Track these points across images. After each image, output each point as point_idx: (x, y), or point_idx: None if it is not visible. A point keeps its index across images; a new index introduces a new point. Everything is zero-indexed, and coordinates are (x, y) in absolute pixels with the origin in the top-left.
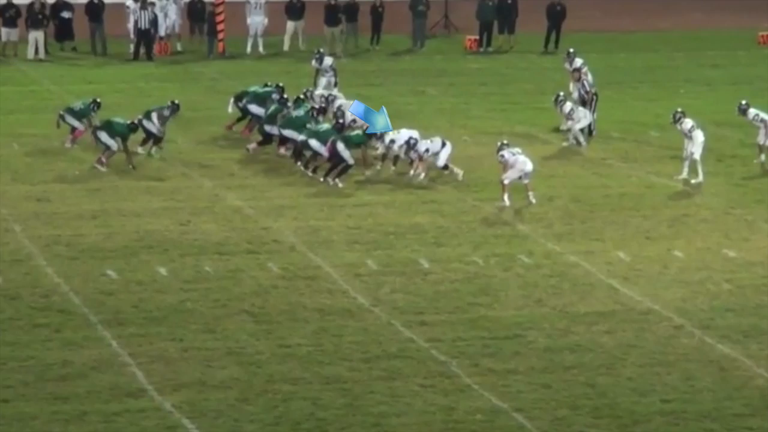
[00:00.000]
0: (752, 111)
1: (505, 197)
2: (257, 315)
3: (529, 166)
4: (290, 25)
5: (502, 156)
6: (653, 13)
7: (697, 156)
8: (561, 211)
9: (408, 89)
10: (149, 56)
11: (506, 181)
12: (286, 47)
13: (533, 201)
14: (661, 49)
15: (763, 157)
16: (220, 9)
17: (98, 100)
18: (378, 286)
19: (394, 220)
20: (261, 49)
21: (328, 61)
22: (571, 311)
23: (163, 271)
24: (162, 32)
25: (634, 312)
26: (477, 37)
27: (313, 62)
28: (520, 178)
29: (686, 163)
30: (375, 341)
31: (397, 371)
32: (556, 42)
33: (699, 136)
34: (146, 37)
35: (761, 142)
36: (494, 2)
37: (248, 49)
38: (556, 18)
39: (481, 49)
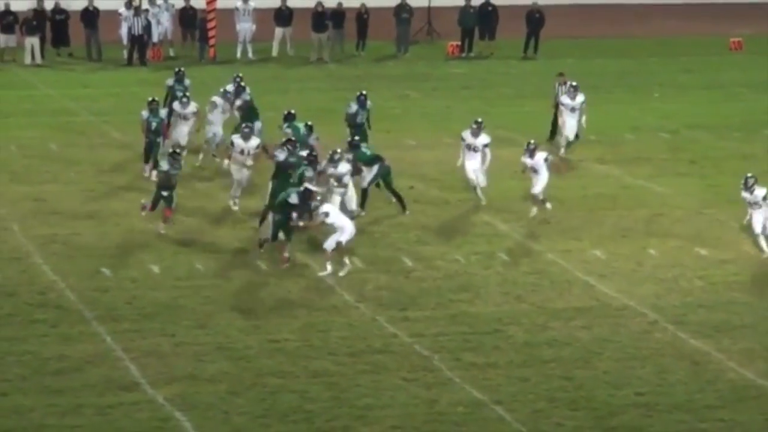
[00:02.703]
0: (761, 191)
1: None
2: (247, 311)
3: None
4: (278, 31)
5: (546, 159)
6: (629, 20)
7: None
8: (539, 211)
9: (392, 93)
10: (142, 61)
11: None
12: (274, 53)
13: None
14: (636, 55)
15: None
16: (211, 16)
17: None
18: (363, 283)
19: (378, 219)
20: (250, 54)
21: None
22: (549, 307)
23: (155, 268)
24: (155, 38)
25: (610, 308)
26: (459, 43)
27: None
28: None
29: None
30: (360, 336)
31: (381, 365)
32: (535, 48)
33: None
34: (139, 42)
35: (757, 231)
36: (475, 9)
37: (238, 55)
38: (534, 24)
39: (463, 55)
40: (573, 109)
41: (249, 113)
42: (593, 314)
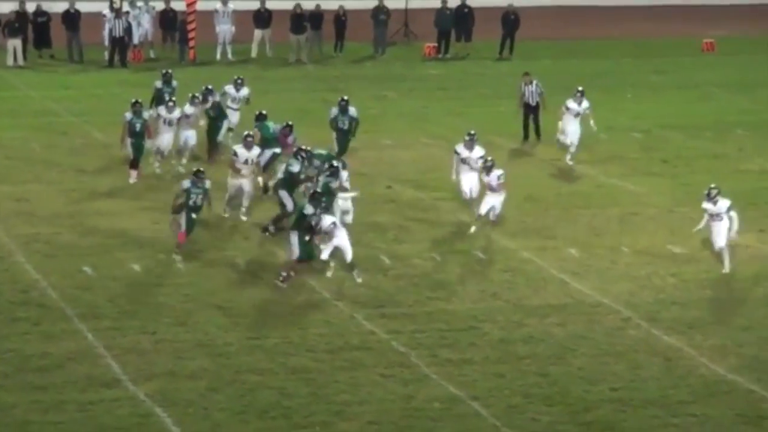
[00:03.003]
0: (724, 202)
1: None
2: (226, 309)
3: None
4: (258, 32)
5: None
6: (603, 22)
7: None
8: (515, 210)
9: (370, 94)
10: (123, 63)
11: (722, 244)
12: (253, 54)
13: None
14: (610, 56)
15: (726, 263)
16: (191, 18)
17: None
18: (341, 281)
19: (356, 219)
20: (230, 56)
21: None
22: (525, 304)
23: (136, 267)
24: (135, 40)
25: (584, 305)
26: (435, 44)
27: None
28: None
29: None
30: (338, 333)
31: (359, 362)
32: (511, 49)
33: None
34: (120, 44)
35: (720, 244)
36: (452, 11)
37: (218, 56)
38: (510, 26)
39: (440, 56)
40: (577, 115)
41: (219, 115)
42: (568, 311)
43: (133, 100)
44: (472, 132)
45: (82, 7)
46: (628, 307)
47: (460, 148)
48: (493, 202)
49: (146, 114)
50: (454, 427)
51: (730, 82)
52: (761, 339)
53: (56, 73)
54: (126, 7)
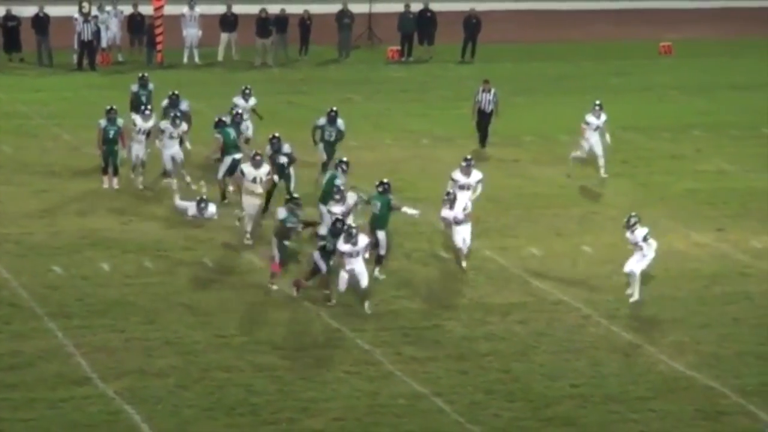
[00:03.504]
0: (641, 231)
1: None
2: (194, 308)
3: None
4: (224, 36)
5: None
6: (563, 25)
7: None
8: (477, 210)
9: (334, 96)
10: (92, 66)
11: (636, 270)
12: (220, 57)
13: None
14: (571, 59)
15: (635, 291)
16: (158, 22)
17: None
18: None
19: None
20: (197, 59)
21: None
22: (487, 302)
23: (105, 266)
24: (104, 44)
25: (546, 303)
26: (399, 48)
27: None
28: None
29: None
30: (304, 332)
31: (324, 359)
32: (473, 52)
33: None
34: (89, 48)
35: (628, 269)
36: (414, 15)
37: (185, 60)
38: (472, 30)
39: (403, 59)
40: (597, 128)
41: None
42: (529, 309)
43: (108, 107)
44: (469, 157)
45: (51, 12)
46: (589, 304)
47: (457, 175)
48: (463, 233)
49: (120, 121)
50: (419, 423)
51: (687, 84)
52: (719, 336)
53: (26, 77)
54: (95, 11)
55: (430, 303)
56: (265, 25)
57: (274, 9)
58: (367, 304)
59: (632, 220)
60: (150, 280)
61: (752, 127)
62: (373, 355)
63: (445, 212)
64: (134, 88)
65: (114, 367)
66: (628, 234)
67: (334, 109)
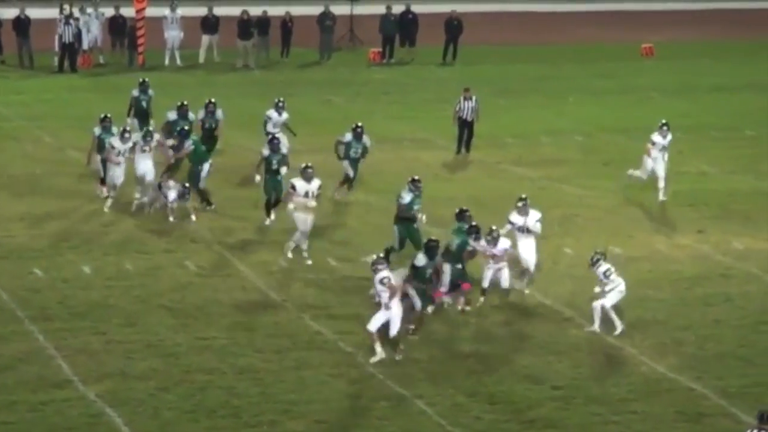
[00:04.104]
0: (604, 266)
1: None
2: (175, 310)
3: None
4: (205, 38)
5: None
6: (545, 27)
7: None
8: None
9: (316, 99)
10: (73, 68)
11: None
12: (201, 59)
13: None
14: (552, 61)
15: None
16: (140, 24)
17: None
18: (289, 282)
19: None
20: (178, 61)
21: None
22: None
23: (86, 269)
24: (85, 46)
25: (528, 305)
26: (380, 50)
27: None
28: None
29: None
30: (286, 334)
31: (306, 362)
32: (454, 54)
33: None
34: (70, 50)
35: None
36: (396, 17)
37: (166, 62)
38: (453, 32)
39: (384, 61)
40: (663, 148)
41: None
42: (511, 311)
43: (102, 116)
44: (524, 196)
45: (33, 14)
46: (570, 307)
47: (514, 217)
48: (497, 270)
49: (114, 130)
50: (400, 426)
51: (668, 86)
52: (700, 338)
53: (7, 79)
54: (76, 13)
55: None
56: (247, 27)
57: (255, 11)
58: (398, 350)
59: (594, 258)
60: (131, 282)
61: (733, 129)
62: (354, 358)
63: (483, 244)
64: (135, 93)
65: (95, 369)
66: (593, 269)
67: (360, 124)
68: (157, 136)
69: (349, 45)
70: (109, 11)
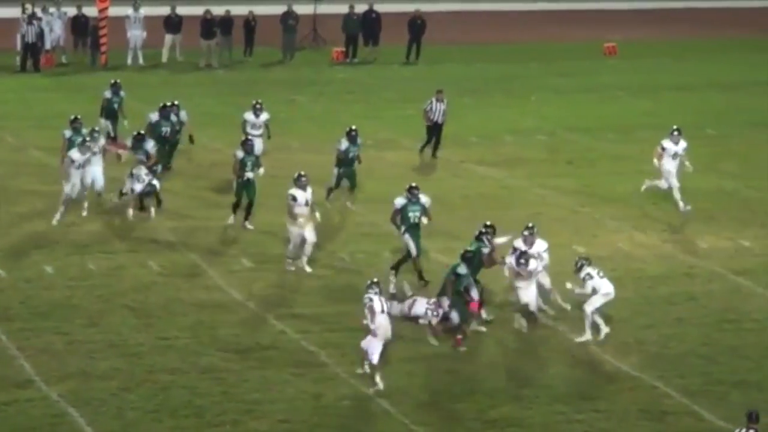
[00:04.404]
0: (587, 270)
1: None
2: (138, 310)
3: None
4: (168, 38)
5: (589, 276)
6: (508, 26)
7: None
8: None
9: (279, 98)
10: (36, 68)
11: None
12: (164, 59)
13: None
14: (515, 60)
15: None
16: (102, 23)
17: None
18: (251, 281)
19: (268, 220)
20: (141, 60)
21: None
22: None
23: (49, 269)
24: (47, 45)
25: (491, 304)
26: (343, 49)
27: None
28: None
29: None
30: (248, 333)
31: (269, 361)
32: (417, 53)
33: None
34: (33, 49)
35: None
36: (359, 16)
37: (129, 61)
38: (417, 31)
39: (347, 60)
40: (675, 155)
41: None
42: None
43: (72, 117)
44: (531, 225)
45: None
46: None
47: (519, 244)
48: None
49: (85, 131)
50: (364, 425)
51: (632, 84)
52: (663, 337)
53: None
54: (39, 13)
55: None
56: (210, 26)
57: (218, 10)
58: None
59: (578, 263)
60: (93, 282)
61: (696, 128)
62: (318, 357)
63: (514, 265)
64: (107, 94)
65: (57, 369)
66: (577, 275)
67: (354, 128)
68: (102, 141)
69: (312, 44)
70: (71, 11)
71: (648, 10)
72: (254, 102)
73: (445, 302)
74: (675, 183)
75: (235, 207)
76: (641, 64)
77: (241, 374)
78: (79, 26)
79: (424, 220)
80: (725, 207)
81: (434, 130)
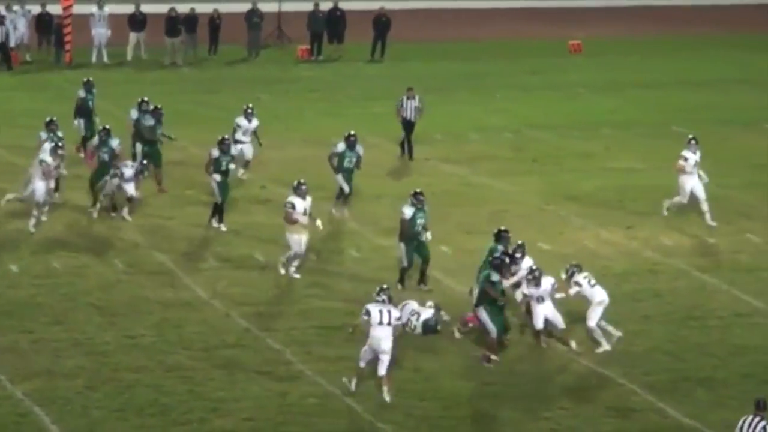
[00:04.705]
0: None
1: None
2: (103, 308)
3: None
4: (133, 36)
5: (578, 284)
6: (473, 24)
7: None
8: (388, 209)
9: (244, 96)
10: (9, 67)
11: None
12: (129, 57)
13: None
14: (481, 57)
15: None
16: (67, 21)
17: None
18: (216, 279)
19: (233, 219)
20: (105, 58)
21: None
22: (397, 300)
23: (14, 267)
24: (12, 43)
25: (457, 301)
26: (308, 47)
27: None
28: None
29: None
30: (214, 331)
31: (234, 359)
32: (382, 51)
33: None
34: (2, 48)
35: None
36: (324, 14)
37: (93, 59)
38: (381, 28)
39: (312, 58)
40: (695, 164)
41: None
42: (441, 307)
43: (48, 119)
44: (535, 268)
45: None
46: None
47: (529, 290)
48: (546, 311)
49: (60, 134)
50: (329, 423)
51: (597, 82)
52: (629, 334)
53: None
54: (2, 11)
55: (340, 302)
56: (174, 24)
57: (183, 8)
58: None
59: (570, 270)
60: (59, 280)
61: (661, 125)
62: (283, 355)
63: (529, 290)
64: (81, 93)
65: (22, 368)
66: (569, 283)
67: (353, 132)
68: (49, 160)
69: (277, 42)
70: (35, 8)
71: (613, 8)
72: (245, 107)
73: (483, 314)
74: (702, 196)
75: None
76: (606, 62)
77: (207, 372)
78: (44, 24)
79: (429, 236)
80: (690, 204)
81: (408, 127)
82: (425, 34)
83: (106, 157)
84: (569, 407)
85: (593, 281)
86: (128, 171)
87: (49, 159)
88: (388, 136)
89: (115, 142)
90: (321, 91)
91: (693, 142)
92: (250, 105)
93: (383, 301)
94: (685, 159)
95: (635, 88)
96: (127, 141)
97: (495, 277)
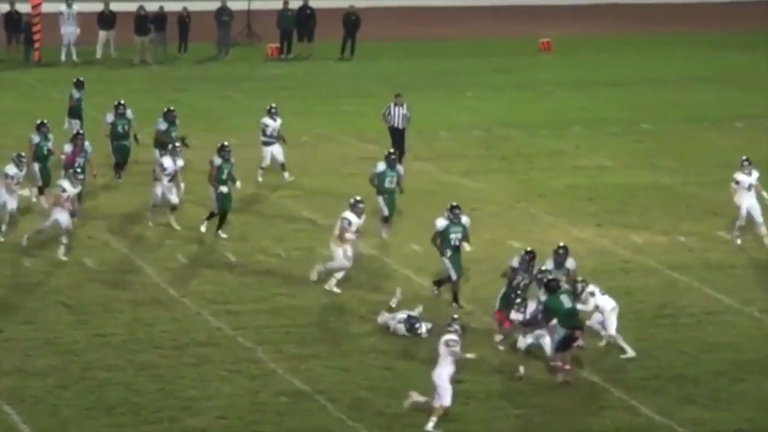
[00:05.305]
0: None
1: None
2: (73, 307)
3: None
4: (102, 34)
5: (593, 294)
6: (442, 22)
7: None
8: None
9: (214, 94)
10: None
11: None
12: (98, 55)
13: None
14: (450, 56)
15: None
16: (36, 20)
17: None
18: (187, 278)
19: (202, 217)
20: (75, 57)
21: None
22: (369, 300)
23: None
24: None
25: (428, 299)
26: (278, 45)
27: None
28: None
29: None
30: (185, 330)
31: (205, 358)
32: (352, 49)
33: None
34: None
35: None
36: (294, 12)
37: (62, 57)
38: (351, 27)
39: (282, 56)
40: (750, 187)
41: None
42: (412, 306)
43: (39, 122)
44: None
45: None
46: (471, 301)
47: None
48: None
49: (51, 136)
50: (301, 422)
51: (567, 80)
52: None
53: None
54: None
55: (311, 300)
56: (144, 22)
57: (152, 6)
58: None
59: (580, 287)
60: (29, 279)
61: (631, 123)
62: (254, 353)
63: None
64: (76, 94)
65: None
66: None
67: (393, 151)
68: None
69: (246, 40)
70: (4, 7)
71: (582, 6)
72: (269, 107)
73: (554, 327)
74: (759, 219)
75: (211, 216)
76: (576, 60)
77: (178, 371)
78: (13, 22)
79: (466, 246)
80: (660, 202)
81: (396, 135)
82: (395, 33)
83: (81, 161)
84: (540, 404)
85: (603, 290)
86: (165, 180)
87: (13, 169)
88: (358, 135)
89: (86, 144)
90: (291, 89)
91: (746, 163)
92: (274, 104)
93: (456, 331)
94: (737, 182)
95: (605, 86)
96: (98, 141)
97: (567, 302)
